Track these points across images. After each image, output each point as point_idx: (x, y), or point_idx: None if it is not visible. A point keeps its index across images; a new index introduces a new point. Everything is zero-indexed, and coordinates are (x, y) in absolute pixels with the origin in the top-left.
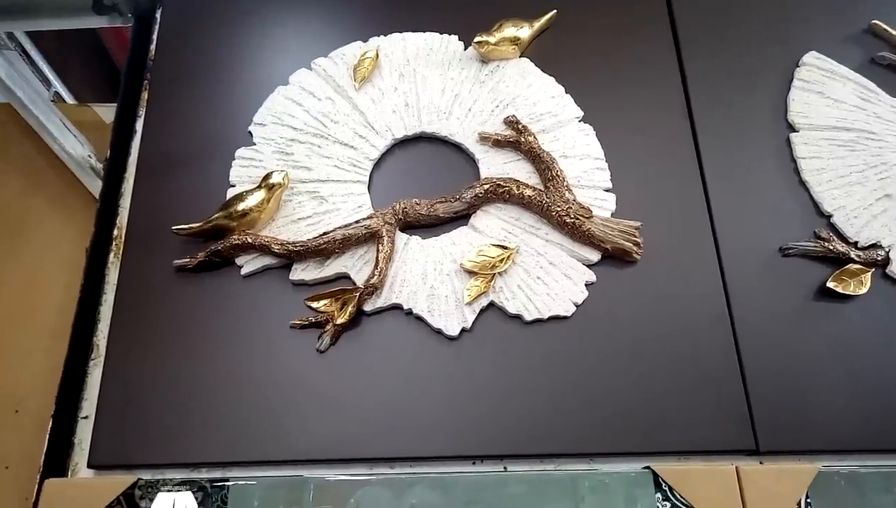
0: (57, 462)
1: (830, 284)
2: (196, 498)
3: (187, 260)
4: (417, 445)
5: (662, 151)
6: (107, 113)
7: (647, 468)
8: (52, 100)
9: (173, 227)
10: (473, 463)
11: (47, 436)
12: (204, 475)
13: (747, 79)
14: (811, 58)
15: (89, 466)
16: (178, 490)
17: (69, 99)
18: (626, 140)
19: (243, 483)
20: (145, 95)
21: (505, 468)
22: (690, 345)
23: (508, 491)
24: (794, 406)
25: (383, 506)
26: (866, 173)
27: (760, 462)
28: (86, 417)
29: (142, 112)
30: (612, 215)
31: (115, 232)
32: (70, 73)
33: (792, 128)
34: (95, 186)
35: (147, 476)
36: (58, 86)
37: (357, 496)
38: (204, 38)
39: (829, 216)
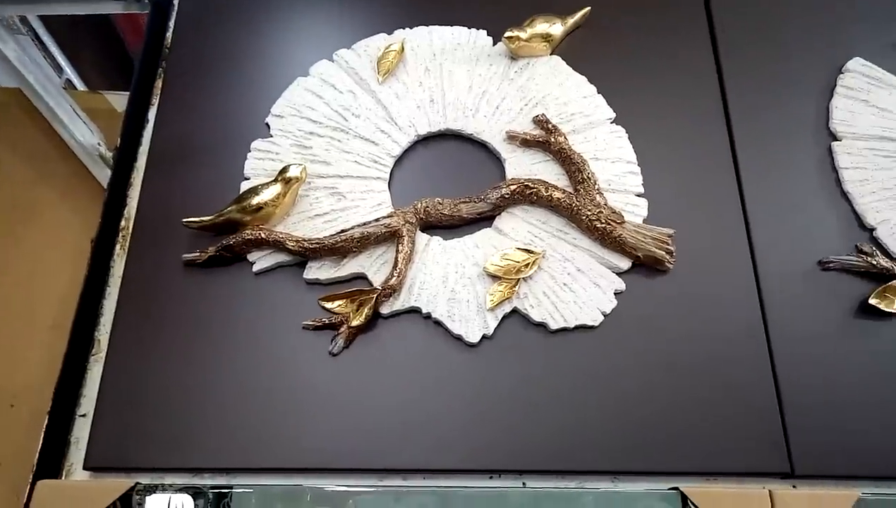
0: (52, 462)
1: (872, 301)
2: (197, 506)
3: (197, 254)
4: (432, 457)
5: (697, 156)
6: (118, 101)
7: (675, 489)
8: (63, 87)
9: (183, 220)
10: (490, 478)
11: (42, 434)
12: (206, 481)
13: (788, 83)
14: (856, 64)
15: (85, 467)
16: (171, 493)
17: (81, 86)
18: (659, 143)
19: (248, 491)
20: (159, 83)
21: (524, 483)
22: (723, 360)
23: None
24: (831, 427)
25: None
26: None
27: (794, 487)
28: (84, 415)
29: (155, 100)
30: (644, 221)
31: (123, 223)
32: (82, 61)
33: (834, 137)
34: (104, 176)
35: (146, 480)
36: (69, 73)
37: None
38: (222, 25)
39: (872, 229)
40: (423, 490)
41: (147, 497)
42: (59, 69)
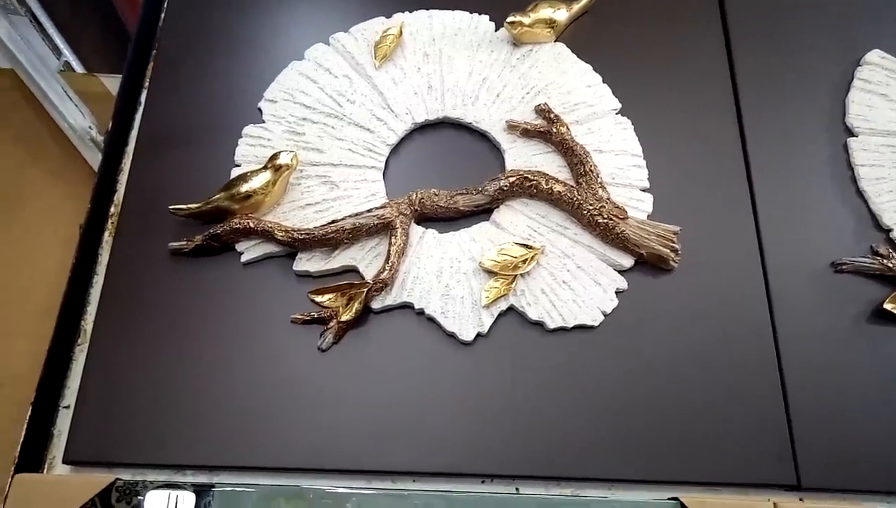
0: (34, 454)
1: (887, 306)
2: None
3: (184, 242)
4: (422, 459)
5: (706, 151)
6: (114, 84)
7: (675, 499)
8: (61, 70)
9: (170, 207)
10: (482, 482)
11: (25, 426)
12: (188, 478)
13: (803, 75)
14: (875, 56)
15: (65, 461)
16: (172, 489)
17: (80, 69)
18: (666, 137)
19: (230, 489)
20: (152, 66)
21: (517, 489)
22: (729, 365)
23: None
24: (841, 438)
25: None
26: None
27: (801, 500)
28: (67, 406)
29: (147, 83)
30: (649, 217)
31: (112, 209)
32: (83, 43)
33: (850, 133)
34: (96, 160)
35: (126, 476)
36: (68, 55)
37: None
38: (216, 5)
39: (889, 230)
40: (420, 493)
41: (147, 493)
42: (57, 51)
